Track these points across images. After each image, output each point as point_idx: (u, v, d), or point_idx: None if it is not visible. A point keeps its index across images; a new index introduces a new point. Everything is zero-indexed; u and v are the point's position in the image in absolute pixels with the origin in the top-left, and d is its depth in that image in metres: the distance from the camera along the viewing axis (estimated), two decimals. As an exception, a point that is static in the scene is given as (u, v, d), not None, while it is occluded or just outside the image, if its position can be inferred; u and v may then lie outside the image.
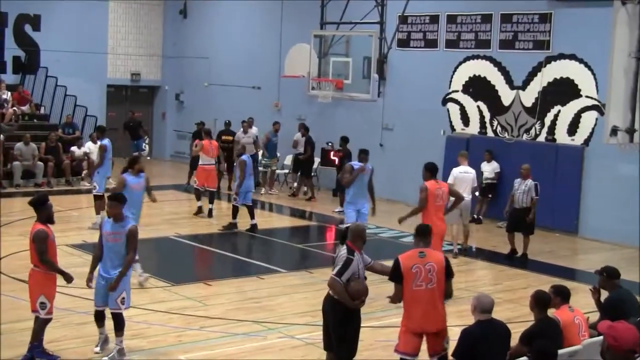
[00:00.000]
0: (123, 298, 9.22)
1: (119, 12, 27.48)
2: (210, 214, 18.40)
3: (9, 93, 23.58)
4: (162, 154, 28.32)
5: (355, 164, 13.99)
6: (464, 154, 16.51)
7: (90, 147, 21.92)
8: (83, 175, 22.21)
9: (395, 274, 7.85)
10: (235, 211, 17.07)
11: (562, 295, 7.87)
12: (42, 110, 24.88)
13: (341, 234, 13.33)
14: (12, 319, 10.38)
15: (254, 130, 22.28)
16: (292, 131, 22.24)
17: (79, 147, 22.33)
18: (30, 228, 9.22)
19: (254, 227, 17.01)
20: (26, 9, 25.39)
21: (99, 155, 16.64)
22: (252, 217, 17.05)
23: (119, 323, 9.24)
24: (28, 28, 25.59)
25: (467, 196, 15.27)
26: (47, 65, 25.25)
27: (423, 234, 8.11)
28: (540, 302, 7.64)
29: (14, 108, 23.31)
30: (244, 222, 17.10)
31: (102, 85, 27.14)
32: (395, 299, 7.97)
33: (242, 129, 21.81)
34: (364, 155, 14.01)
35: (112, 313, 9.28)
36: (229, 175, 21.45)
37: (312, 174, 22.01)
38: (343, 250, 8.06)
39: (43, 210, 9.03)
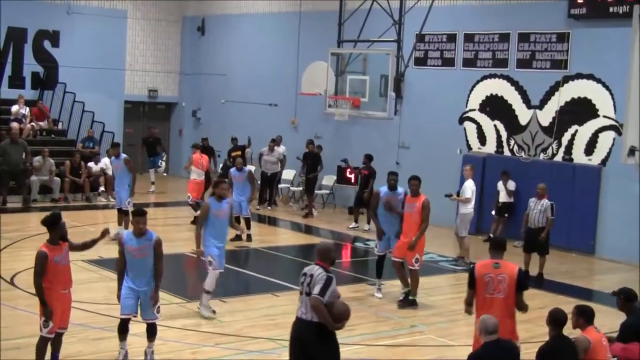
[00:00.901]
0: (159, 307, 9.58)
1: (137, 28, 27.69)
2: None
3: (28, 108, 23.76)
4: (179, 170, 28.38)
5: (383, 189, 13.37)
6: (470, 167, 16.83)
7: (107, 163, 22.05)
8: (100, 191, 22.31)
9: (469, 280, 8.40)
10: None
11: (585, 316, 7.75)
12: (59, 126, 25.03)
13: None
14: (28, 333, 10.41)
15: (281, 149, 22.40)
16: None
17: (96, 163, 22.44)
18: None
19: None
20: (45, 25, 25.65)
21: (130, 169, 16.75)
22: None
23: (154, 331, 9.65)
24: (47, 44, 25.83)
25: (469, 209, 16.04)
26: (66, 81, 25.45)
27: (498, 247, 8.48)
28: (554, 320, 7.57)
29: (32, 123, 23.48)
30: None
31: (119, 102, 27.30)
32: (466, 302, 8.48)
33: (267, 147, 21.94)
34: (392, 177, 13.49)
35: (148, 323, 9.57)
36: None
37: (323, 190, 22.09)
38: (319, 270, 7.79)
39: (56, 230, 8.92)
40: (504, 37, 19.49)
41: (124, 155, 16.88)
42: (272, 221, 20.98)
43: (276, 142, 22.31)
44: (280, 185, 23.04)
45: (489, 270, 8.22)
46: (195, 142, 22.50)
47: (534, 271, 15.38)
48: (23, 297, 12.23)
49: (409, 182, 12.89)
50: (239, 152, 21.87)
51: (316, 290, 7.64)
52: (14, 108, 23.44)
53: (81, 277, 9.80)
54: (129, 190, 16.67)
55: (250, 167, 21.03)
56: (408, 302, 12.74)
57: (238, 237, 17.04)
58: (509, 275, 8.18)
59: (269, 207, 22.15)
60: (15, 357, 9.58)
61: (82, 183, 21.81)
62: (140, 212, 9.48)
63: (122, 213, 16.74)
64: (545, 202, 15.23)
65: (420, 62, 21.15)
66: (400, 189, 13.24)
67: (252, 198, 17.99)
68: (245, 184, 17.57)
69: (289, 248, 17.82)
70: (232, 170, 17.79)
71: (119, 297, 9.47)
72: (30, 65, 25.52)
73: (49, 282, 8.77)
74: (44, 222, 8.96)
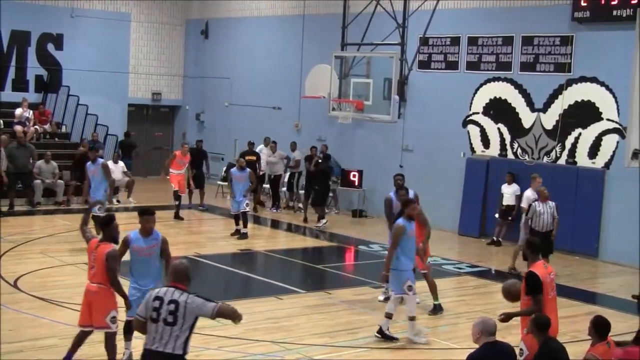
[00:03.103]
0: None
1: (141, 32, 27.72)
2: (177, 216, 20.02)
3: (31, 111, 23.78)
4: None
5: (392, 194, 13.22)
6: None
7: (111, 167, 22.07)
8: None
9: (536, 285, 8.17)
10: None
11: (596, 330, 7.58)
12: (63, 129, 25.06)
13: None
14: (32, 336, 10.43)
15: (283, 153, 22.61)
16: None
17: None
18: (89, 245, 9.30)
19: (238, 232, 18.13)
20: (49, 29, 25.69)
21: (106, 174, 16.32)
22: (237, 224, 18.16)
23: None
24: (51, 47, 25.87)
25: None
26: (69, 84, 25.49)
27: (538, 250, 8.58)
28: (540, 326, 7.51)
29: (36, 126, 23.51)
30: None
31: (123, 105, 27.33)
32: (537, 309, 8.05)
33: (268, 148, 22.33)
34: (398, 177, 13.61)
35: None
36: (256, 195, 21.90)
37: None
38: (182, 295, 6.82)
39: (108, 230, 9.26)
40: (508, 40, 19.48)
41: (101, 160, 16.53)
42: (276, 224, 20.97)
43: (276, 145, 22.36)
44: (283, 189, 23.01)
45: (543, 271, 8.34)
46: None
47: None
48: (27, 300, 12.25)
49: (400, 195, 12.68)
50: (254, 157, 21.83)
51: (208, 311, 6.84)
52: (18, 111, 23.46)
53: (83, 279, 9.75)
54: (105, 196, 16.09)
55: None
56: (434, 308, 12.70)
57: (238, 232, 17.80)
58: (555, 273, 8.64)
59: (275, 210, 22.13)
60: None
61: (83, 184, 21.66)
62: (149, 212, 9.56)
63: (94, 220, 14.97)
64: (551, 203, 15.24)
65: (424, 65, 21.15)
66: (411, 192, 13.01)
67: (251, 189, 18.51)
68: (246, 184, 17.95)
69: (292, 251, 17.80)
70: (233, 170, 17.99)
71: (125, 304, 9.33)
72: (34, 69, 25.57)
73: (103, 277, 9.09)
74: (99, 222, 9.48)
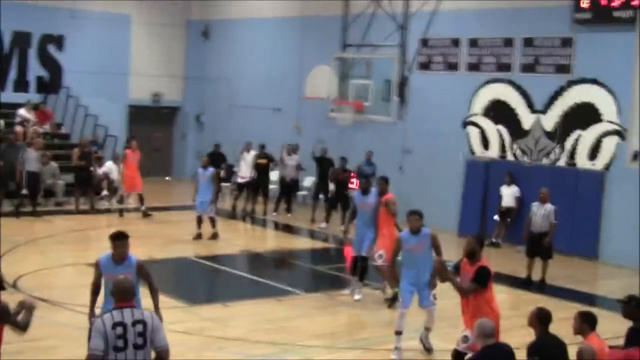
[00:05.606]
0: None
1: (141, 33, 27.72)
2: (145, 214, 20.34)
3: (33, 112, 23.79)
4: (182, 174, 28.39)
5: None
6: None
7: (111, 167, 22.07)
8: (102, 195, 22.29)
9: (487, 279, 8.78)
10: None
11: (590, 322, 7.70)
12: (63, 130, 25.07)
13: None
14: (32, 337, 10.40)
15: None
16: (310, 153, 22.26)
17: (100, 167, 22.41)
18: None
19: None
20: (50, 30, 25.72)
21: None
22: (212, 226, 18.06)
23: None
24: (52, 48, 25.89)
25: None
26: (70, 85, 25.50)
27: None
28: (542, 319, 7.51)
29: (35, 127, 23.49)
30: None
31: (123, 106, 27.30)
32: (467, 292, 8.67)
33: (285, 151, 21.77)
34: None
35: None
36: (253, 198, 21.81)
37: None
38: (145, 313, 6.39)
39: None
40: (508, 42, 19.49)
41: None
42: (280, 226, 20.98)
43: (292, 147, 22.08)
44: (299, 192, 22.83)
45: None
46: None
47: (536, 276, 15.37)
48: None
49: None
50: (265, 161, 21.69)
51: (162, 339, 6.33)
52: (21, 111, 23.48)
53: (83, 280, 9.76)
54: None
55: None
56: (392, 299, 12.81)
57: (199, 236, 17.70)
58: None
59: (289, 214, 21.91)
60: (18, 361, 9.60)
61: (95, 180, 21.64)
62: (121, 236, 8.45)
63: None
64: (549, 206, 15.20)
65: (424, 66, 21.15)
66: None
67: (213, 200, 18.08)
68: (209, 183, 17.87)
69: (292, 252, 17.81)
70: (200, 169, 17.99)
71: (89, 318, 8.64)
72: (35, 70, 25.59)
73: None
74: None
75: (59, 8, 25.63)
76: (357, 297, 13.35)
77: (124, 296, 6.36)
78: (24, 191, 19.88)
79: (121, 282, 6.48)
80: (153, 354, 6.30)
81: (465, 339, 8.66)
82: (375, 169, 20.21)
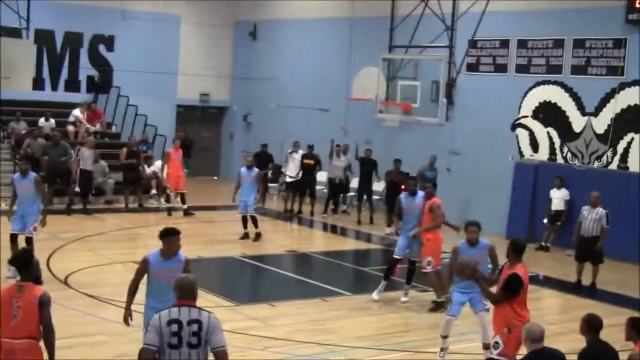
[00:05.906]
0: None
1: (190, 33, 27.95)
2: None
3: (85, 112, 24.13)
4: (230, 173, 28.55)
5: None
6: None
7: (160, 166, 22.28)
8: (151, 194, 22.55)
9: (518, 286, 8.47)
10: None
11: (638, 329, 7.57)
12: (113, 129, 25.39)
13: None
14: (82, 333, 10.57)
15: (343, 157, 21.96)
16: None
17: (149, 166, 22.65)
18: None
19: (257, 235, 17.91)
20: (101, 30, 26.09)
21: (40, 190, 13.58)
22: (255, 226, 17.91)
23: None
24: (102, 48, 26.24)
25: None
26: (120, 85, 25.83)
27: (521, 251, 8.58)
28: (591, 325, 7.38)
29: (87, 126, 23.82)
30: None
31: (172, 105, 27.58)
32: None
33: (335, 152, 21.68)
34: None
35: None
36: (300, 199, 21.92)
37: (379, 197, 21.92)
38: (202, 312, 6.21)
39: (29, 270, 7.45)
40: (559, 43, 19.25)
41: (33, 174, 13.50)
42: (327, 227, 20.99)
43: (341, 148, 22.01)
44: (349, 194, 22.71)
45: (525, 272, 8.54)
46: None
47: (586, 281, 15.16)
48: (76, 296, 12.43)
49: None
50: (312, 161, 21.78)
51: (219, 340, 6.20)
52: (76, 112, 23.82)
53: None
54: (38, 214, 13.33)
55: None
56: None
57: (247, 236, 17.65)
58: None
59: (336, 215, 21.86)
60: (67, 356, 9.70)
61: (144, 179, 21.92)
62: (172, 232, 8.44)
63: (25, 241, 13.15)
64: (600, 210, 14.99)
65: (473, 68, 20.98)
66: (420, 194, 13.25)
67: (258, 200, 18.18)
68: (252, 184, 17.83)
69: (338, 253, 17.79)
70: (242, 169, 17.89)
71: (125, 318, 8.61)
72: (86, 69, 25.97)
73: None
74: (18, 262, 7.63)
75: (109, 8, 25.98)
76: (375, 297, 13.36)
77: (187, 295, 6.26)
78: (77, 189, 20.22)
79: (183, 279, 6.37)
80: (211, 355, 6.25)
81: (496, 345, 8.50)
82: (437, 174, 20.08)
